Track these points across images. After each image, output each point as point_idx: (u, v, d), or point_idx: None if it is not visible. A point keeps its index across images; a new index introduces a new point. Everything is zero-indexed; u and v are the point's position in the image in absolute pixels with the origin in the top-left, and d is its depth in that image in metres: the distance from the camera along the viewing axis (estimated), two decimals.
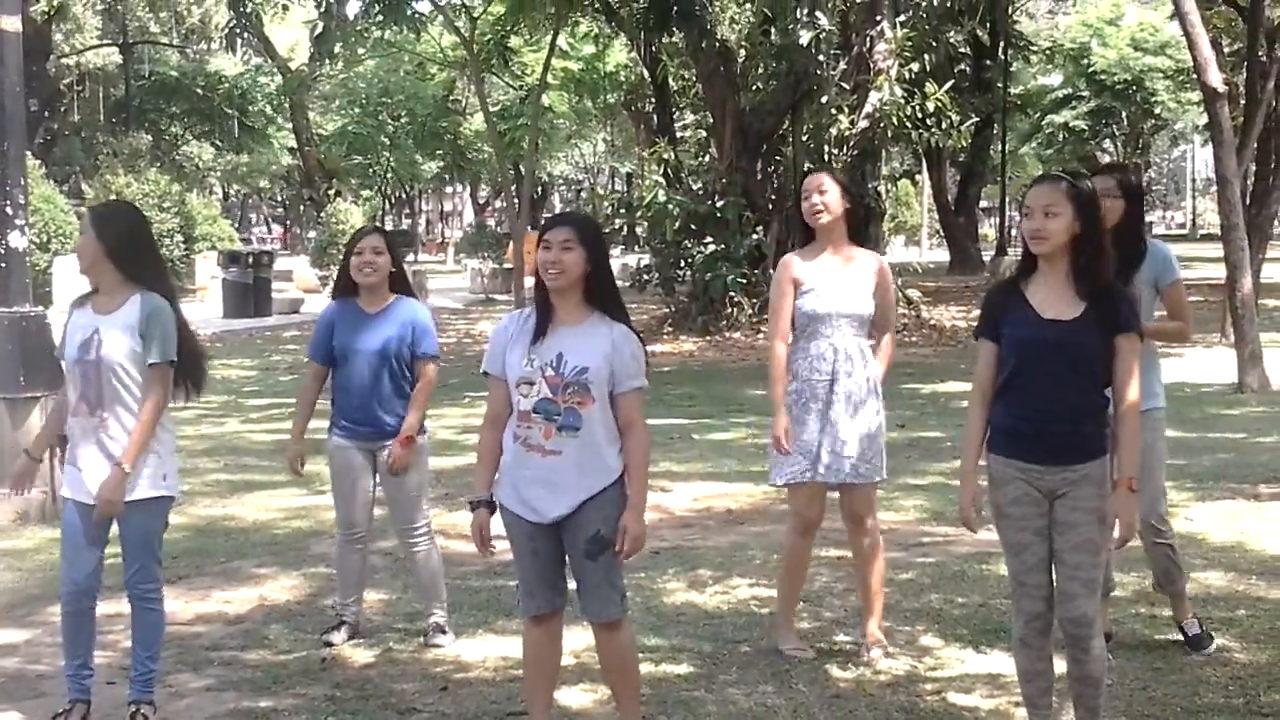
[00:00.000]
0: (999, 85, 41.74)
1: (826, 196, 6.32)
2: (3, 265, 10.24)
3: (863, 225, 6.60)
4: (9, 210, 10.13)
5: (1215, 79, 16.10)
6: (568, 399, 4.92)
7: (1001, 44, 41.48)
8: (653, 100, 33.33)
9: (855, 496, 6.44)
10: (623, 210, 29.00)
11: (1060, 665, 5.07)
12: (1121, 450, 4.85)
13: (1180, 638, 6.43)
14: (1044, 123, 60.75)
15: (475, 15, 27.41)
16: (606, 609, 5.05)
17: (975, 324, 5.16)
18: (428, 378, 6.72)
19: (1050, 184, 4.86)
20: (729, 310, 24.44)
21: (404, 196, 75.57)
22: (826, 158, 24.09)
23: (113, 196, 32.94)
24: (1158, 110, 56.28)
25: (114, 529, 5.65)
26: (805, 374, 6.32)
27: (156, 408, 5.56)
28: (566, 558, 5.07)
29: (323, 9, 26.98)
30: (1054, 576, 4.94)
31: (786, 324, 6.39)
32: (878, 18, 24.04)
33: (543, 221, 5.24)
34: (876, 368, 6.42)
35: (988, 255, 45.28)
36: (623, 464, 4.99)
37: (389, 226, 61.04)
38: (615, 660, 5.21)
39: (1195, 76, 17.39)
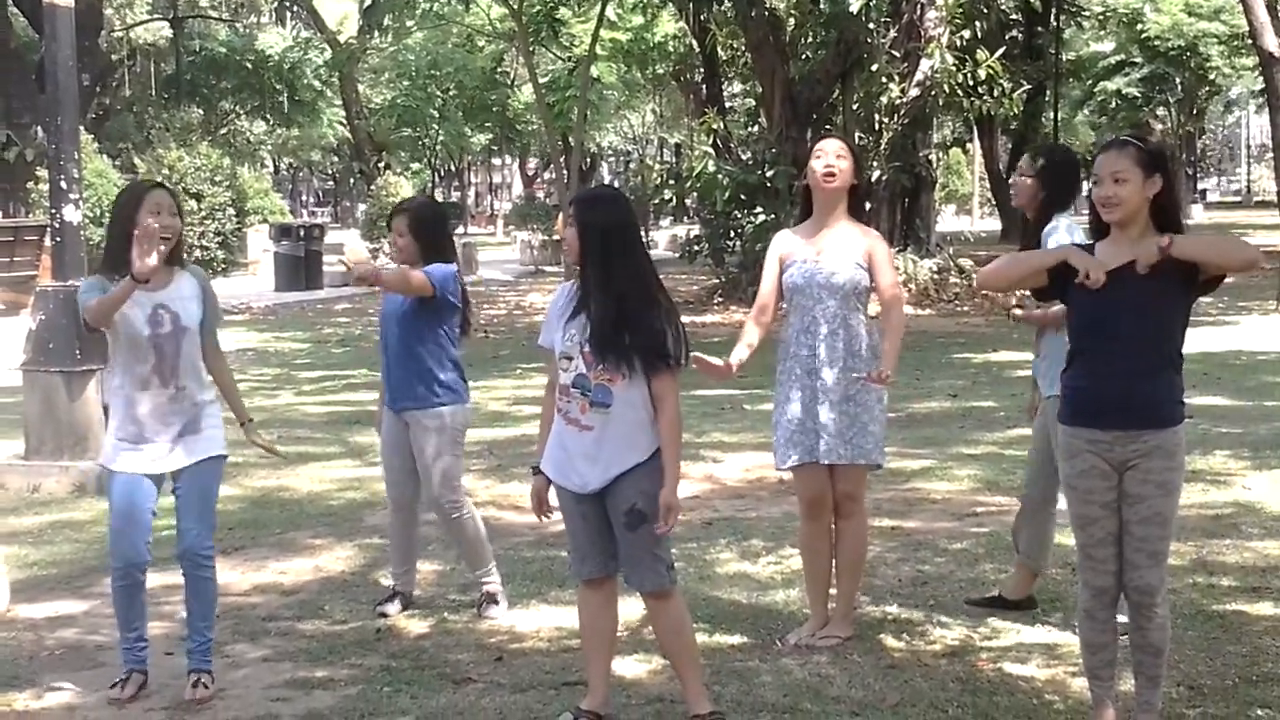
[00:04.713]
0: (1051, 52, 41.34)
1: (843, 162, 6.08)
2: (58, 239, 10.34)
3: (862, 202, 6.33)
4: (63, 184, 10.20)
5: (1271, 43, 15.95)
6: (599, 375, 4.95)
7: (1053, 10, 41.03)
8: (701, 70, 33.26)
9: (838, 477, 6.18)
10: (672, 181, 29.00)
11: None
12: None
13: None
14: (1096, 90, 60.15)
15: None
16: (652, 580, 5.08)
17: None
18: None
19: (1117, 150, 4.77)
20: None
21: (453, 169, 75.66)
22: (877, 126, 23.98)
23: (165, 171, 33.16)
24: (1212, 76, 55.60)
25: (165, 500, 5.72)
26: (793, 349, 6.15)
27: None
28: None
29: None
30: (1122, 548, 4.89)
31: (766, 300, 6.25)
32: None
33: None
34: (866, 342, 6.08)
35: None
36: (658, 439, 5.00)
37: (438, 199, 61.16)
38: (668, 630, 5.22)
39: (1251, 41, 17.20)
